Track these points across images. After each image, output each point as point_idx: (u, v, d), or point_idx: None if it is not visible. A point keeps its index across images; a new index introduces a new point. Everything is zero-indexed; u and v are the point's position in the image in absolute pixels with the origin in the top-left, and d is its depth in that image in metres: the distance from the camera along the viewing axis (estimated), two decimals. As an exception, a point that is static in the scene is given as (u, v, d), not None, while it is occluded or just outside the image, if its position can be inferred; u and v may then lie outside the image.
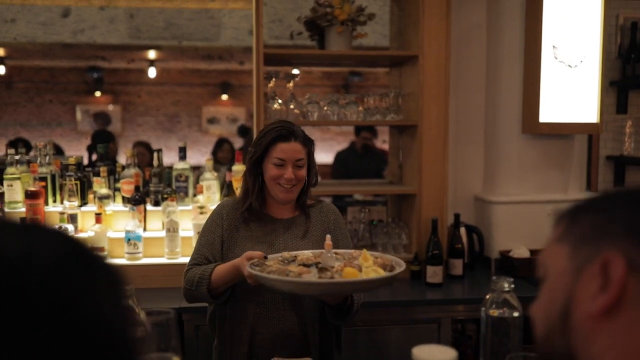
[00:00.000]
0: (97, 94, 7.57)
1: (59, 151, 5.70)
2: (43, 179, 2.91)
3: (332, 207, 2.12)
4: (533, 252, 3.07)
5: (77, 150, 7.46)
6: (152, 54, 6.70)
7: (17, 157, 2.97)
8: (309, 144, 1.95)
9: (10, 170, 2.89)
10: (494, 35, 3.19)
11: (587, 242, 0.70)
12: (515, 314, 1.40)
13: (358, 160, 5.54)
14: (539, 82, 2.92)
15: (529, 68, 3.00)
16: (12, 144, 5.56)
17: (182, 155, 3.04)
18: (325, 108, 2.99)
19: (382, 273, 1.76)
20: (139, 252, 2.80)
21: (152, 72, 6.92)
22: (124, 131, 7.78)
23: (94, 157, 3.36)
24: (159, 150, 3.11)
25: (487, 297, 1.43)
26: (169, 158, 7.66)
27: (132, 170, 2.98)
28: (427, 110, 2.93)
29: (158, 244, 2.86)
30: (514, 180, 3.17)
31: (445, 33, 2.89)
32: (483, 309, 1.42)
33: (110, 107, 7.69)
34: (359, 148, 5.61)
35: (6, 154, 3.08)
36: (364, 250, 1.92)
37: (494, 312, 1.40)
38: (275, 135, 1.90)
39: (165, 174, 3.01)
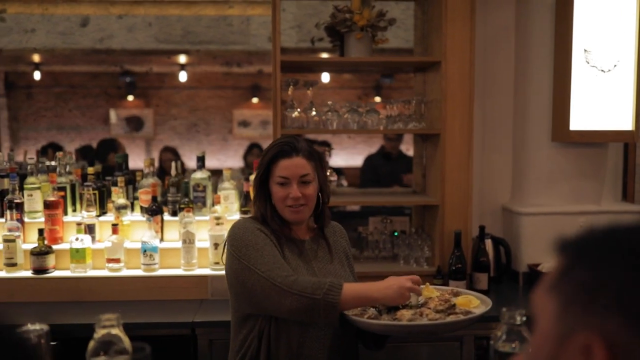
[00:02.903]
0: (130, 98, 7.65)
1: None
2: (62, 188, 2.91)
3: (341, 229, 2.06)
4: (563, 266, 2.93)
5: (108, 154, 7.55)
6: (182, 58, 6.72)
7: (46, 164, 2.97)
8: (315, 159, 1.84)
9: (30, 180, 2.89)
10: (522, 39, 3.05)
11: (575, 307, 0.61)
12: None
13: (388, 165, 5.44)
14: (569, 88, 2.78)
15: (559, 73, 2.86)
16: (44, 149, 5.66)
17: (200, 165, 3.00)
18: (345, 116, 2.91)
19: (476, 302, 1.84)
20: (155, 264, 2.77)
21: (182, 76, 6.95)
22: (156, 135, 7.83)
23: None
24: (177, 160, 3.09)
25: (497, 330, 1.33)
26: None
27: (150, 180, 2.96)
28: (451, 118, 2.82)
29: (175, 254, 2.83)
30: (543, 190, 3.03)
31: (469, 38, 2.78)
32: (492, 342, 1.32)
33: (143, 111, 7.76)
34: (389, 152, 5.51)
35: (38, 160, 3.11)
36: (427, 284, 1.88)
37: (505, 347, 1.30)
38: (276, 152, 1.82)
39: (183, 184, 2.98)
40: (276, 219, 1.83)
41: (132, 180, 3.06)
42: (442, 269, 2.83)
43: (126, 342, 1.27)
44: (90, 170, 2.97)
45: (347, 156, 7.50)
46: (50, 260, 2.74)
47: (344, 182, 5.20)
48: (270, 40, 2.95)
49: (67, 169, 3.00)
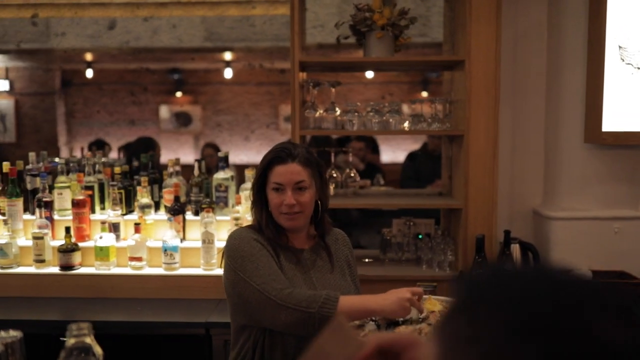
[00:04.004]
0: (178, 94, 7.81)
1: (146, 149, 5.82)
2: (91, 187, 2.99)
3: (344, 236, 2.01)
4: (596, 274, 2.79)
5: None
6: (228, 55, 6.79)
7: (93, 160, 3.08)
8: (312, 165, 1.81)
9: (60, 179, 2.99)
10: (555, 35, 2.92)
11: (453, 357, 0.56)
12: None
13: (430, 163, 5.32)
14: (601, 87, 2.64)
15: (592, 71, 2.71)
16: (92, 145, 5.85)
17: (223, 165, 3.02)
18: (368, 116, 2.86)
19: None
20: (175, 263, 2.81)
21: (228, 73, 7.03)
22: (203, 130, 7.97)
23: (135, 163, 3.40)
24: (200, 160, 3.12)
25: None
26: (246, 157, 7.80)
27: (173, 180, 3.00)
28: (475, 119, 2.73)
29: (196, 254, 2.86)
30: (576, 194, 2.89)
31: (495, 37, 2.67)
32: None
33: (191, 107, 7.91)
34: (432, 150, 5.39)
35: (93, 154, 3.23)
36: (430, 297, 1.83)
37: None
38: (272, 157, 1.79)
39: (205, 184, 3.01)
40: (271, 226, 1.81)
41: (157, 180, 3.11)
42: (465, 275, 2.75)
43: (97, 351, 1.28)
44: (117, 169, 3.04)
45: (391, 153, 7.41)
46: (77, 257, 2.82)
47: (381, 180, 5.14)
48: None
49: (97, 167, 3.08)
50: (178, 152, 7.85)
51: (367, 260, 3.11)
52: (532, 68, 3.00)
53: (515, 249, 2.89)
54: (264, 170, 1.81)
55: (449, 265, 2.88)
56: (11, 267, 2.82)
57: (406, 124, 2.90)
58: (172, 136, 7.90)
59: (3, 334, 1.27)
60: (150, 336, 2.55)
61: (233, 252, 1.76)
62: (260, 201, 1.84)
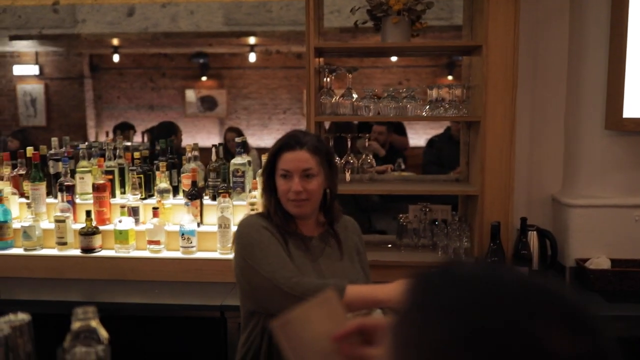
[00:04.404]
0: (204, 78, 7.86)
1: (168, 133, 5.88)
2: (111, 172, 3.05)
3: (354, 223, 2.02)
4: (615, 263, 2.75)
5: (184, 133, 7.83)
6: (252, 40, 6.81)
7: (114, 145, 3.15)
8: (321, 153, 1.82)
9: (82, 163, 3.06)
10: (576, 20, 2.85)
11: (401, 356, 0.57)
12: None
13: (452, 148, 5.27)
14: (623, 73, 2.58)
15: (614, 57, 2.65)
16: (117, 129, 5.94)
17: (240, 151, 3.05)
18: (386, 100, 2.85)
19: None
20: (192, 247, 2.86)
21: (252, 57, 7.05)
22: (228, 114, 8.03)
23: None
24: (219, 145, 3.15)
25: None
26: (270, 141, 7.83)
27: (191, 165, 3.04)
28: (491, 105, 2.69)
29: (213, 238, 2.90)
30: (596, 181, 2.84)
31: (514, 21, 2.62)
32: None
33: (216, 91, 7.96)
34: (454, 135, 5.34)
35: (114, 139, 3.31)
36: None
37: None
38: (280, 144, 1.81)
39: (222, 169, 3.04)
40: (280, 213, 1.83)
41: (176, 165, 3.16)
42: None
43: (103, 334, 1.32)
44: (136, 154, 3.09)
45: (416, 137, 7.37)
46: (97, 240, 2.89)
47: (402, 165, 5.11)
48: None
49: (117, 152, 3.14)
50: (204, 136, 7.94)
51: (383, 245, 3.11)
52: (553, 53, 2.94)
53: (533, 236, 2.86)
54: (272, 157, 1.83)
55: (465, 252, 2.87)
56: (35, 249, 2.91)
57: (426, 108, 2.88)
58: (197, 120, 7.98)
59: (12, 317, 1.31)
60: (167, 318, 2.61)
61: (242, 239, 1.79)
62: (269, 188, 1.86)
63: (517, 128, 2.85)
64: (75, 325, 1.32)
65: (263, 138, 7.85)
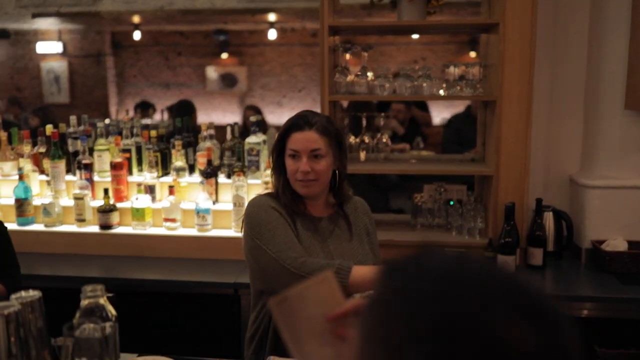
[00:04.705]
0: (224, 55, 7.86)
1: (185, 111, 5.89)
2: (128, 150, 3.09)
3: (364, 204, 2.01)
4: (632, 245, 2.72)
5: (204, 112, 7.88)
6: (271, 17, 6.78)
7: (131, 123, 3.19)
8: (330, 134, 1.81)
9: (100, 141, 3.10)
10: (598, -4, 2.78)
11: (369, 347, 0.57)
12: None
13: (473, 127, 5.22)
14: (644, 51, 2.51)
15: (635, 35, 2.58)
16: (138, 107, 6.00)
17: (255, 129, 3.06)
18: (397, 83, 2.83)
19: None
20: (207, 224, 2.89)
21: (272, 34, 7.02)
22: (249, 91, 8.03)
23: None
24: (234, 125, 3.16)
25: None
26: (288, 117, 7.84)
27: (206, 144, 3.06)
28: (508, 85, 2.65)
29: (228, 216, 2.93)
30: (614, 162, 2.80)
31: (532, -2, 2.57)
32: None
33: (236, 68, 7.96)
34: (475, 114, 5.28)
35: (134, 116, 3.34)
36: None
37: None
38: (289, 125, 1.82)
39: (237, 148, 3.05)
40: (288, 193, 1.84)
41: (193, 143, 3.18)
42: (494, 242, 2.72)
43: (111, 311, 1.36)
44: (153, 133, 3.12)
45: (437, 114, 7.29)
46: (115, 217, 2.94)
47: (421, 144, 5.08)
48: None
49: (135, 131, 3.17)
50: (223, 113, 7.96)
51: (397, 225, 3.11)
52: (573, 31, 2.88)
53: (549, 217, 2.84)
54: (282, 137, 1.84)
55: (479, 233, 2.85)
56: (55, 226, 2.97)
57: (442, 87, 2.85)
58: (217, 97, 8.01)
59: (23, 294, 1.35)
60: (182, 294, 2.66)
61: (251, 219, 1.81)
62: (278, 167, 1.87)
63: (535, 107, 2.81)
64: (84, 302, 1.36)
65: (283, 115, 7.85)
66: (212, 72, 7.97)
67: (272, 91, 8.03)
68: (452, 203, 3.00)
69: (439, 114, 7.28)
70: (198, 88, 7.99)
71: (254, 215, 1.80)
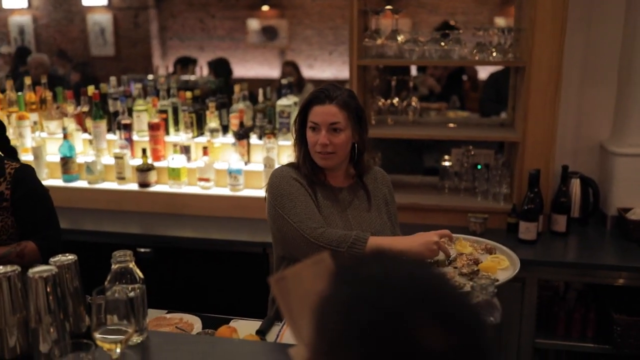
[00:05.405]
0: (265, 8, 7.85)
1: (222, 70, 5.99)
2: (165, 111, 3.21)
3: (384, 175, 2.07)
4: (659, 214, 2.71)
5: (244, 65, 7.94)
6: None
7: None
8: (350, 109, 1.86)
9: (138, 102, 3.22)
10: (638, -43, 2.69)
11: (317, 341, 0.66)
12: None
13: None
14: (681, 18, 2.44)
15: (673, -1, 2.51)
16: (177, 63, 6.11)
17: (285, 92, 3.12)
18: (425, 47, 2.83)
19: (505, 264, 1.83)
20: (239, 184, 3.02)
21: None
22: (290, 44, 8.03)
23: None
24: (266, 86, 3.23)
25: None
26: (329, 72, 7.82)
27: (239, 106, 3.15)
28: (538, 50, 2.63)
29: (259, 177, 3.04)
30: (646, 129, 2.76)
31: (566, -40, 2.51)
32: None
33: (277, 21, 7.94)
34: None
35: (174, 72, 3.44)
36: (460, 238, 1.92)
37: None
38: (311, 98, 1.87)
39: (268, 110, 3.13)
40: (308, 164, 1.91)
41: (227, 104, 3.27)
42: (518, 208, 2.76)
43: (138, 274, 1.49)
44: (188, 94, 3.22)
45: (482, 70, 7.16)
46: (152, 176, 3.09)
47: (457, 103, 5.05)
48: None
49: (171, 92, 3.28)
50: (264, 65, 8.01)
51: (424, 188, 3.17)
52: (610, -7, 2.80)
53: (576, 183, 2.85)
54: (303, 109, 1.90)
55: (504, 198, 2.89)
56: (97, 183, 3.15)
57: (473, 53, 2.84)
58: (258, 50, 8.04)
59: (61, 257, 1.50)
60: (213, 252, 2.81)
61: (273, 189, 1.90)
62: (300, 139, 1.94)
63: (567, 71, 2.78)
64: (114, 266, 1.49)
65: (324, 69, 7.85)
66: (253, 25, 7.98)
67: (312, 44, 8.00)
68: (479, 167, 3.03)
69: (481, 71, 7.15)
70: (238, 41, 8.03)
71: (276, 186, 1.89)
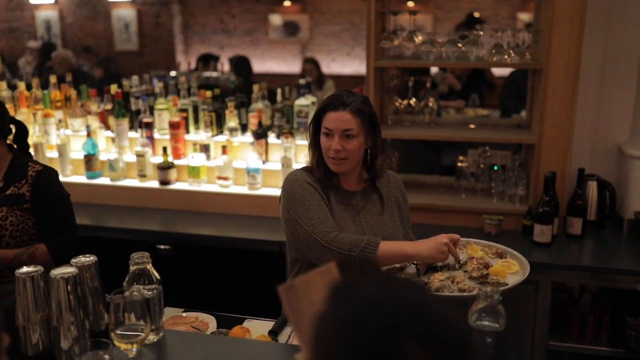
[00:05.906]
0: (287, 3, 7.87)
1: (242, 68, 6.01)
2: (185, 110, 3.27)
3: (397, 178, 2.10)
4: (678, 217, 2.70)
5: (265, 61, 7.98)
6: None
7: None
8: (363, 116, 1.88)
9: (159, 101, 3.29)
10: (659, -42, 2.66)
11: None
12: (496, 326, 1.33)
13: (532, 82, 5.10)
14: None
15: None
16: (200, 60, 6.17)
17: (303, 92, 3.16)
18: (442, 49, 2.84)
19: (515, 268, 1.86)
20: (257, 183, 3.07)
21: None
22: (311, 40, 8.05)
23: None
24: (284, 86, 3.27)
25: (474, 306, 1.37)
26: (350, 67, 7.82)
27: (258, 105, 3.19)
28: (555, 52, 2.62)
29: (277, 176, 3.09)
30: (665, 132, 2.74)
31: (585, -38, 2.50)
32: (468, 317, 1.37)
33: (299, 16, 7.97)
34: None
35: (196, 69, 3.47)
36: (471, 242, 1.95)
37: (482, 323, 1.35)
38: (325, 104, 1.91)
39: (286, 109, 3.17)
40: (321, 168, 1.95)
41: (246, 103, 3.32)
42: (533, 210, 2.76)
43: (155, 275, 1.54)
44: (208, 93, 3.28)
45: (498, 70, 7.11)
46: (173, 173, 3.16)
47: (477, 101, 5.03)
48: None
49: (192, 91, 3.33)
50: (285, 61, 8.05)
51: (440, 188, 3.19)
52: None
53: (593, 186, 2.84)
54: (317, 115, 1.94)
55: (520, 200, 2.89)
56: (119, 180, 3.22)
57: (491, 54, 2.84)
58: (279, 46, 8.08)
59: (82, 259, 1.56)
60: (230, 250, 2.86)
61: (287, 193, 1.94)
62: (314, 143, 1.98)
63: (585, 73, 2.77)
64: (132, 268, 1.55)
65: (345, 65, 7.86)
66: (275, 20, 8.02)
67: (333, 40, 8.00)
68: (495, 168, 3.04)
69: (501, 70, 7.10)
70: (260, 36, 8.08)
71: (290, 190, 1.93)
